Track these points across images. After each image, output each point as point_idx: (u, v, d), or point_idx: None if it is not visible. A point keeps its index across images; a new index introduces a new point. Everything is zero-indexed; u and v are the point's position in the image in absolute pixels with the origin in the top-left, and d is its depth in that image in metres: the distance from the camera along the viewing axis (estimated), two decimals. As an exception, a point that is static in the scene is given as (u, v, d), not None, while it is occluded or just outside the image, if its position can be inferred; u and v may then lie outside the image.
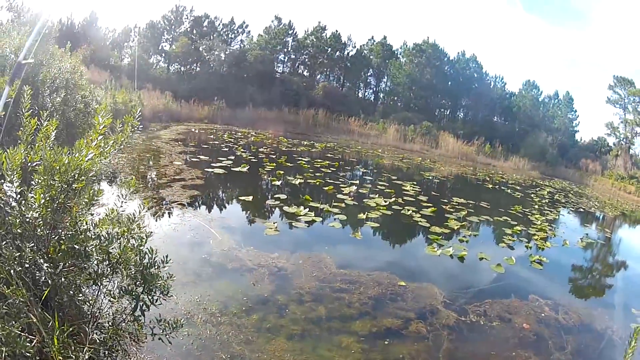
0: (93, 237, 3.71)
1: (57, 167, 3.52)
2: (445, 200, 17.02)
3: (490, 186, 23.87)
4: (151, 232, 4.16)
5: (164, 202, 10.80)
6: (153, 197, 11.10)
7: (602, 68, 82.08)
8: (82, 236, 3.65)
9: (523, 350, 6.42)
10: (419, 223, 12.94)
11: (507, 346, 6.56)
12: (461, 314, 7.32)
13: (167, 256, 4.04)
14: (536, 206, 19.17)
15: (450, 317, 7.15)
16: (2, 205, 3.49)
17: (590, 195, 27.10)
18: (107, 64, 33.72)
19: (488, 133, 40.30)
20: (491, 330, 6.99)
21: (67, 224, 3.74)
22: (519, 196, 21.71)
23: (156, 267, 3.91)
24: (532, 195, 22.48)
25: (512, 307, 7.90)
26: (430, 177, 23.76)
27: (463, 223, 13.55)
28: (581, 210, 21.44)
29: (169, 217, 9.99)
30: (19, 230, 3.49)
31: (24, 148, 3.53)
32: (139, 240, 3.93)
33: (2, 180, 3.46)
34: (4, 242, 3.37)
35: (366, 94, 52.71)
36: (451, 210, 15.28)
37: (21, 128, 3.60)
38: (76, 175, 3.63)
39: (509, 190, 23.00)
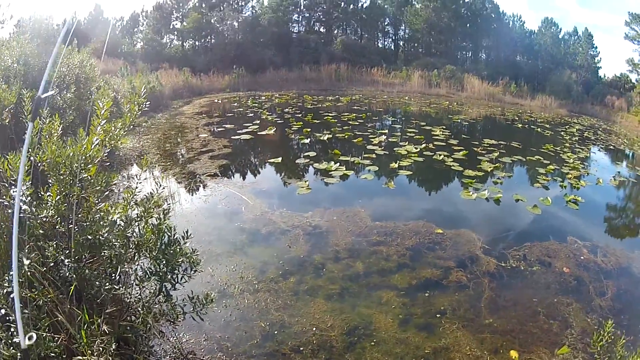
0: (106, 224, 3.68)
1: (62, 161, 3.50)
2: (476, 143, 16.76)
3: (520, 126, 23.35)
4: (169, 209, 4.09)
5: (193, 176, 10.80)
6: (181, 172, 11.11)
7: (618, 3, 78.84)
8: (95, 226, 3.63)
9: (564, 296, 6.35)
10: (452, 167, 12.82)
11: (548, 292, 6.49)
12: (501, 259, 7.27)
13: (187, 231, 3.99)
14: (567, 144, 18.71)
15: (490, 263, 7.10)
16: (21, 211, 3.42)
17: (618, 132, 26.40)
18: (120, 51, 33.48)
19: (512, 73, 39.38)
20: (532, 275, 6.91)
21: (82, 215, 3.73)
22: (549, 134, 21.26)
23: (177, 244, 3.87)
24: (562, 133, 21.96)
25: (551, 250, 7.79)
26: (459, 120, 23.39)
27: (496, 164, 13.36)
28: (611, 147, 20.86)
29: (200, 189, 10.02)
30: (40, 231, 3.52)
31: (29, 149, 3.47)
32: (158, 220, 3.88)
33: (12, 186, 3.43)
34: (27, 246, 3.37)
35: (386, 43, 51.39)
36: (483, 152, 15.08)
37: (25, 132, 3.53)
38: (82, 165, 3.60)
39: (539, 129, 22.47)
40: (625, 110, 34.64)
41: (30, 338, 2.56)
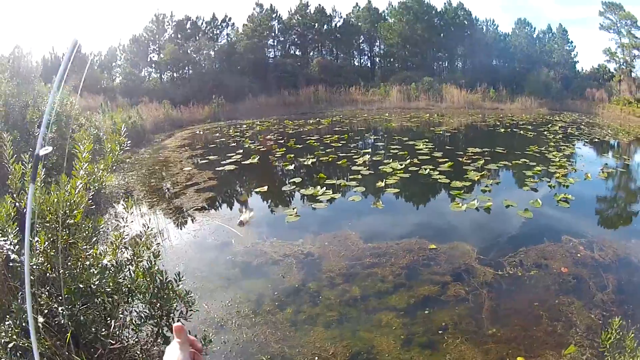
0: (97, 272, 3.60)
1: (47, 208, 3.44)
2: (461, 153, 16.80)
3: (502, 130, 23.56)
4: (159, 251, 4.02)
5: (180, 211, 10.71)
6: (168, 207, 11.02)
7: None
8: (86, 273, 3.56)
9: (565, 296, 6.30)
10: (439, 180, 12.82)
11: (548, 294, 6.44)
12: (497, 268, 7.21)
13: (179, 273, 3.91)
14: (551, 143, 18.85)
15: (487, 273, 7.04)
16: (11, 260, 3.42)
17: (601, 124, 26.67)
18: (99, 87, 33.45)
19: (490, 78, 39.83)
20: (530, 280, 6.86)
21: (71, 262, 3.66)
22: (532, 136, 21.41)
23: (170, 287, 3.81)
24: (545, 132, 22.15)
25: (547, 251, 7.76)
26: (441, 132, 23.55)
27: (482, 172, 13.39)
28: (596, 140, 21.06)
29: (188, 224, 9.91)
30: (31, 277, 3.39)
31: (12, 195, 3.47)
32: (149, 263, 3.81)
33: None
34: (20, 293, 3.37)
35: (362, 61, 51.89)
36: (468, 161, 15.11)
37: (9, 176, 3.50)
38: (67, 211, 3.54)
39: (521, 132, 22.64)
40: (606, 101, 35.11)
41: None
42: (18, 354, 3.12)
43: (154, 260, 3.82)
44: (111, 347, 3.75)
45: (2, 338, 3.05)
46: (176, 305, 3.89)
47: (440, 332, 5.65)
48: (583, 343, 5.16)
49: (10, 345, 3.04)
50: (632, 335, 3.79)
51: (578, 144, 19.74)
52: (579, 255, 7.59)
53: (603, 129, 25.08)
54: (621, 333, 3.92)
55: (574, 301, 6.13)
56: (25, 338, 3.15)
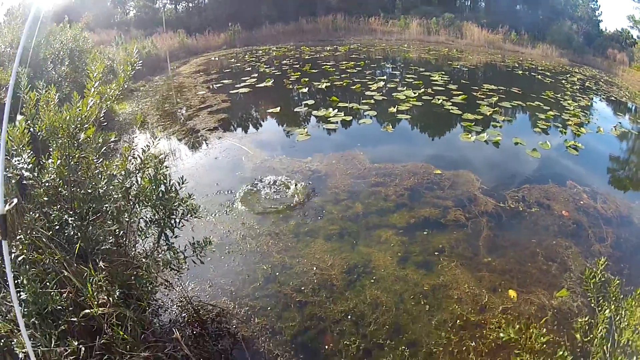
0: (104, 177, 3.73)
1: (60, 125, 3.51)
2: (476, 88, 16.46)
3: (520, 72, 22.95)
4: (165, 158, 4.13)
5: (193, 132, 10.71)
6: (181, 129, 10.99)
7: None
8: (95, 180, 3.69)
9: (563, 239, 6.35)
10: (451, 111, 12.69)
11: (547, 234, 6.49)
12: (499, 200, 7.27)
13: (182, 177, 4.08)
14: (568, 92, 18.34)
15: (489, 203, 7.11)
16: (24, 180, 3.52)
17: (620, 85, 26.02)
18: (112, 22, 32.58)
19: (512, 21, 38.65)
20: (530, 216, 6.91)
21: (82, 173, 3.77)
22: (549, 82, 20.88)
23: (174, 191, 3.93)
24: (563, 81, 21.53)
25: (550, 193, 7.77)
26: (459, 67, 22.91)
27: (495, 109, 13.21)
28: (612, 98, 20.44)
29: (200, 144, 9.97)
30: (45, 199, 3.57)
31: (27, 120, 3.52)
32: (155, 170, 3.93)
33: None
34: (31, 213, 3.44)
35: (383, -8, 50.77)
36: (482, 97, 14.84)
37: (23, 105, 3.57)
38: (79, 125, 3.62)
39: (539, 77, 22.07)
40: (627, 64, 34.27)
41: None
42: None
43: (160, 166, 3.94)
44: (117, 255, 3.88)
45: (13, 253, 3.13)
46: (179, 207, 4.03)
47: (436, 253, 5.77)
48: (576, 290, 5.23)
49: (20, 258, 3.14)
50: (618, 281, 3.80)
51: (595, 98, 19.39)
52: (581, 202, 7.58)
53: (621, 89, 24.45)
54: (606, 276, 3.94)
55: (571, 246, 6.19)
56: (36, 252, 3.31)
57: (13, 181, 3.47)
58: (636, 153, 12.60)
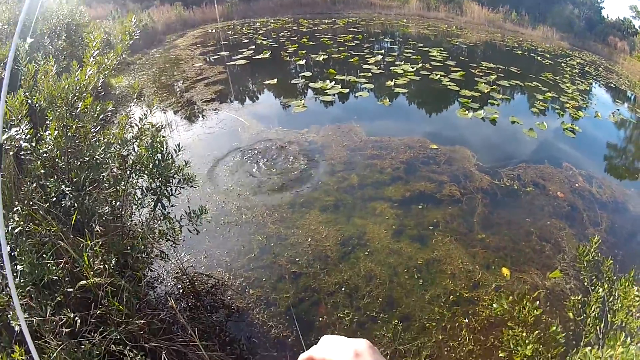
0: (102, 145, 3.68)
1: (58, 94, 3.48)
2: (474, 65, 16.42)
3: (520, 52, 22.76)
4: (161, 126, 4.07)
5: (189, 103, 10.65)
6: (178, 101, 10.92)
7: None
8: (92, 147, 3.63)
9: (558, 221, 6.35)
10: (448, 87, 12.62)
11: (542, 214, 6.49)
12: (495, 177, 7.26)
13: (179, 144, 4.03)
14: (567, 75, 18.31)
15: (484, 180, 7.10)
16: (21, 153, 3.51)
17: (620, 73, 25.94)
18: None
19: (513, 1, 38.63)
20: (525, 195, 6.90)
21: (79, 142, 3.75)
22: (549, 64, 20.83)
23: (170, 158, 3.92)
24: (563, 64, 21.46)
25: (546, 173, 7.77)
26: (458, 43, 22.72)
27: (493, 87, 13.13)
28: (611, 85, 20.38)
29: (196, 115, 9.92)
30: (42, 171, 3.53)
31: (25, 92, 3.47)
32: (152, 138, 3.91)
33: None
34: (29, 184, 3.38)
35: (383, -34, 50.11)
36: (480, 74, 14.78)
37: (22, 77, 3.53)
38: (77, 94, 3.60)
39: (539, 58, 21.99)
40: (628, 53, 34.18)
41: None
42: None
43: (156, 134, 3.94)
44: (113, 226, 3.85)
45: (10, 225, 3.10)
46: (175, 175, 4.01)
47: (431, 227, 5.77)
48: (569, 272, 5.25)
49: (16, 230, 3.10)
50: (611, 261, 3.79)
51: (594, 83, 19.33)
52: (577, 185, 7.57)
53: (621, 77, 24.42)
54: (599, 255, 3.93)
55: (565, 227, 6.20)
56: (33, 224, 3.29)
57: (11, 153, 3.42)
58: (633, 142, 12.57)
